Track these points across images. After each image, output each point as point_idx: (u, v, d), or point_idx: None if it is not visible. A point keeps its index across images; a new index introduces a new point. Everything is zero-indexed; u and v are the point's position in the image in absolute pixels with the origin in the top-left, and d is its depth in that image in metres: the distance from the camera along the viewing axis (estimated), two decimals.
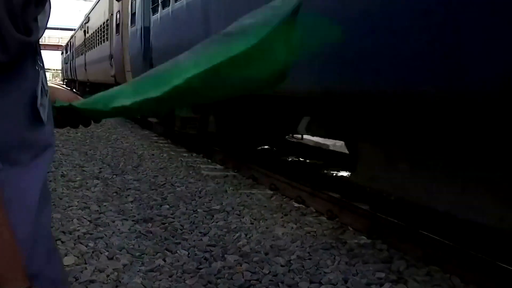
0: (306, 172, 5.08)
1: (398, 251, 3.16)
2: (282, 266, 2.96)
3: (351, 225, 3.62)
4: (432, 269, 2.89)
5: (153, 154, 6.87)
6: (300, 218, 3.87)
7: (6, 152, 0.81)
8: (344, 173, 5.72)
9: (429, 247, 3.03)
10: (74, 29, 30.31)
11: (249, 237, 3.44)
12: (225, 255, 3.10)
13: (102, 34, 15.87)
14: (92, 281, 2.69)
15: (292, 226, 3.66)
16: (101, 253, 3.08)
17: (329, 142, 7.36)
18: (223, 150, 6.57)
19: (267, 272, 2.88)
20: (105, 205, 4.18)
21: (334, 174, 5.75)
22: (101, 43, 16.26)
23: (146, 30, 8.24)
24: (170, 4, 6.82)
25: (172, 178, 5.37)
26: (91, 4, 22.02)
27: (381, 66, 2.69)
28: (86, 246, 3.18)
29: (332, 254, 3.13)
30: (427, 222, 3.76)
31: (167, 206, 4.22)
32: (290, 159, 7.08)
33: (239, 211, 4.08)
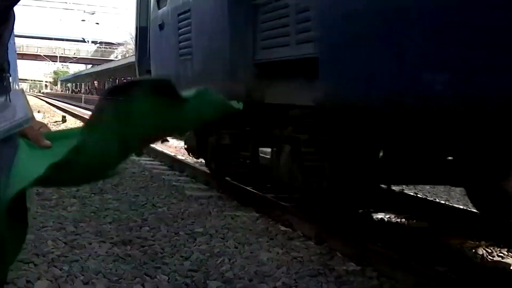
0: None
1: (388, 279, 3.03)
2: None
3: (340, 251, 3.50)
4: None
5: (134, 172, 6.69)
6: (287, 243, 3.73)
7: None
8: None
9: (421, 275, 2.92)
10: (54, 39, 25.44)
11: (233, 262, 3.29)
12: (207, 281, 2.96)
13: None
14: None
15: (278, 251, 3.53)
16: (76, 277, 2.91)
17: None
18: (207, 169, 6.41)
19: None
20: (82, 226, 4.00)
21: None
22: None
23: None
24: None
25: (153, 198, 5.20)
26: (71, 13, 18.36)
27: None
28: (60, 270, 3.01)
29: (320, 281, 3.00)
30: (418, 249, 3.67)
31: (148, 228, 4.05)
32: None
33: (223, 234, 3.93)
